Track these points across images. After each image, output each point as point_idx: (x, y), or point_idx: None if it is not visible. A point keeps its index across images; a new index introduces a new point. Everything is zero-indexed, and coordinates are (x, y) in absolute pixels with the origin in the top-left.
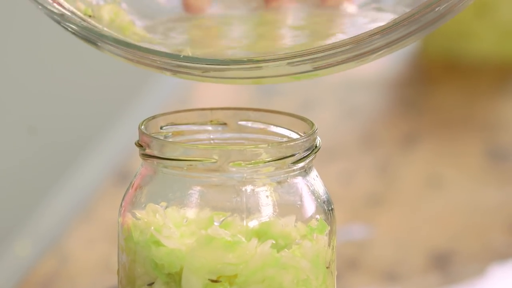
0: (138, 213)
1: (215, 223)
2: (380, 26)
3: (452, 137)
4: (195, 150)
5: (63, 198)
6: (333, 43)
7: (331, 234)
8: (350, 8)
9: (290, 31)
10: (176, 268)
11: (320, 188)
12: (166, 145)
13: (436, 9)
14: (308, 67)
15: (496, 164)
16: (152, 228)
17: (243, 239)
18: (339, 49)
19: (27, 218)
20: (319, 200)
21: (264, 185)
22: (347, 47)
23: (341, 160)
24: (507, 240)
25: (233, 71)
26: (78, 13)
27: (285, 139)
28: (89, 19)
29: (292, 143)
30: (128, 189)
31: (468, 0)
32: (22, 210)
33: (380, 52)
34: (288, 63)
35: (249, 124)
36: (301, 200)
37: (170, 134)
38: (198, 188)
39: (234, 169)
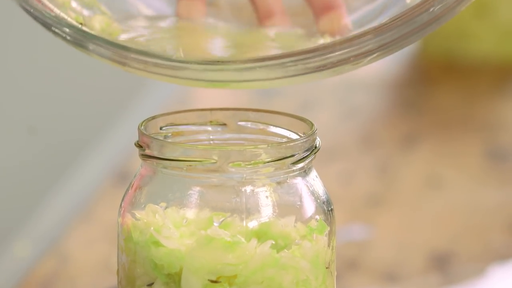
0: (138, 214)
1: (215, 224)
2: (373, 27)
3: (452, 137)
4: (194, 150)
5: (63, 198)
6: (326, 43)
7: (330, 234)
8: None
9: (270, 43)
10: (175, 269)
11: (320, 189)
12: (166, 145)
13: (431, 10)
14: (300, 68)
15: (495, 165)
16: (152, 228)
17: (243, 239)
18: (331, 49)
19: (27, 219)
20: (318, 201)
21: (263, 185)
22: (340, 47)
23: (341, 160)
24: (507, 241)
25: (228, 72)
26: (69, 19)
27: (284, 140)
28: (80, 26)
29: (291, 144)
30: (127, 190)
31: (464, 2)
32: (22, 210)
33: (375, 55)
34: (280, 64)
35: (249, 124)
36: (300, 201)
37: (170, 134)
38: (198, 188)
39: (233, 169)
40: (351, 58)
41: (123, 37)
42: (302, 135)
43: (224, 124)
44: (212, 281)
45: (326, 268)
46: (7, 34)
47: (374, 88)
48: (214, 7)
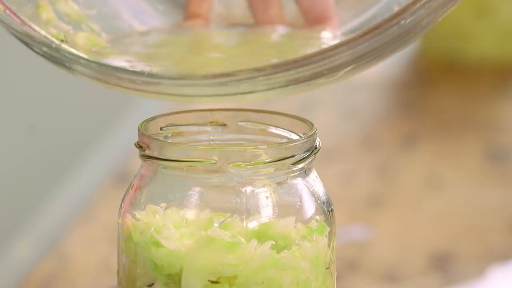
0: (138, 214)
1: (215, 224)
2: (345, 39)
3: (452, 138)
4: (195, 151)
5: (63, 199)
6: (298, 57)
7: (330, 235)
8: (329, 33)
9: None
10: (175, 269)
11: (320, 189)
12: (166, 146)
13: (401, 23)
14: (273, 82)
15: (495, 165)
16: (152, 229)
17: (243, 240)
18: (304, 63)
19: (27, 219)
20: (319, 201)
21: (263, 186)
22: (312, 59)
23: (341, 161)
24: (507, 241)
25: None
26: (49, 36)
27: (284, 140)
28: (60, 44)
29: (292, 144)
30: (128, 190)
31: (435, 17)
32: (22, 211)
33: (349, 68)
34: (251, 78)
35: (249, 125)
36: (300, 201)
37: (170, 135)
38: (198, 189)
39: (234, 170)
40: (325, 71)
41: (108, 54)
42: (302, 136)
43: (224, 125)
44: (212, 282)
45: (326, 268)
46: (7, 34)
47: (374, 88)
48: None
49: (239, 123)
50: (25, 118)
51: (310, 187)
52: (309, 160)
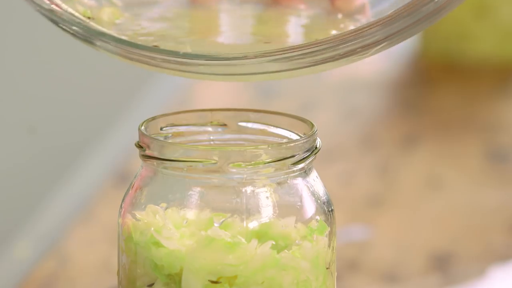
0: (138, 214)
1: (215, 224)
2: (380, 18)
3: (452, 138)
4: (195, 151)
5: (63, 199)
6: (333, 36)
7: (331, 235)
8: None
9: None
10: (176, 269)
11: (320, 189)
12: (166, 146)
13: (436, 0)
14: (307, 61)
15: (496, 165)
16: (152, 229)
17: (243, 240)
18: (341, 41)
19: (27, 220)
20: (319, 201)
21: (264, 186)
22: (348, 38)
23: (341, 161)
24: (507, 241)
25: (236, 66)
26: (77, 14)
27: (285, 140)
28: (88, 21)
29: (292, 144)
30: (128, 190)
31: None
32: (22, 211)
33: (381, 46)
34: (288, 58)
35: (249, 125)
36: (301, 201)
37: (170, 135)
38: (198, 189)
39: (234, 170)
40: (358, 49)
41: (131, 29)
42: (303, 136)
43: (225, 125)
44: (213, 282)
45: (327, 268)
46: (7, 34)
47: (374, 88)
48: None
49: (240, 123)
50: (25, 118)
51: (310, 187)
52: (310, 160)
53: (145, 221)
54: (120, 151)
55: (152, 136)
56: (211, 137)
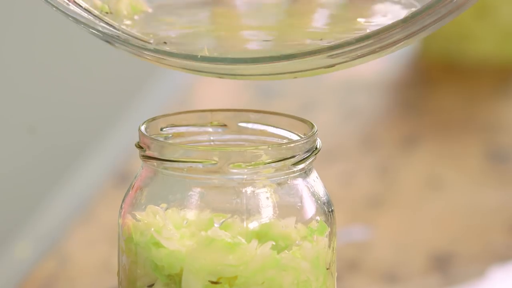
0: (138, 215)
1: (215, 225)
2: (400, 19)
3: (452, 138)
4: (195, 151)
5: (63, 199)
6: (357, 36)
7: (331, 235)
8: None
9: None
10: (176, 270)
11: (320, 190)
12: (166, 146)
13: (455, 0)
14: (325, 62)
15: (496, 166)
16: (152, 229)
17: (243, 240)
18: (360, 44)
19: (27, 220)
20: (319, 202)
21: (264, 186)
22: (370, 41)
23: (341, 161)
24: (508, 242)
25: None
26: (95, 11)
27: (285, 141)
28: (106, 17)
29: (292, 145)
30: (128, 191)
31: None
32: (22, 211)
33: (400, 44)
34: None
35: (249, 125)
36: (301, 202)
37: (170, 135)
38: (198, 189)
39: (234, 170)
40: (377, 49)
41: (152, 26)
42: (303, 136)
43: (225, 125)
44: (213, 282)
45: (327, 269)
46: (7, 34)
47: (374, 89)
48: None
49: (240, 124)
50: (25, 118)
51: (310, 187)
52: (310, 161)
53: (145, 221)
54: (120, 152)
55: (152, 136)
56: (211, 138)
